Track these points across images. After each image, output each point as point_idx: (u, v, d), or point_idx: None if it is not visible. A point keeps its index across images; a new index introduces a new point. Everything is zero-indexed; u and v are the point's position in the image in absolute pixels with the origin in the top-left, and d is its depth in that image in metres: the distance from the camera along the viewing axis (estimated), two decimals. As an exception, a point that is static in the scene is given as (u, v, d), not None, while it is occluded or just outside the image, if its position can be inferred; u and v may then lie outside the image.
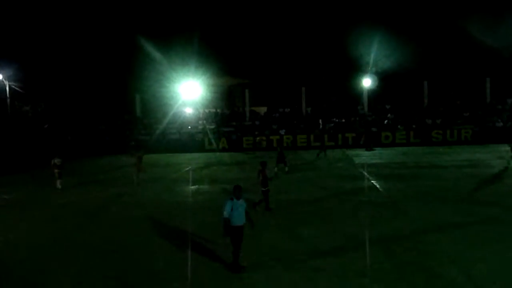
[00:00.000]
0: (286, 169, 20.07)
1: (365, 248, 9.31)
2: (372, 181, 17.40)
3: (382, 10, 39.96)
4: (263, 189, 12.82)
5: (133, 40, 36.87)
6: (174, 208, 14.06)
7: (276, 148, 23.08)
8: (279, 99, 39.24)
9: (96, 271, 8.83)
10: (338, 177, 18.88)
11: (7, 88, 36.53)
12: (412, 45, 35.45)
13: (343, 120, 34.40)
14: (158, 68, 36.96)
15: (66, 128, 35.60)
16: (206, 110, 38.28)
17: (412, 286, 7.64)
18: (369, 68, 37.30)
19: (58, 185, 17.56)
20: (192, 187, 17.84)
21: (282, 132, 32.76)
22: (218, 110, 38.62)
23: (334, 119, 34.69)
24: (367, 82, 36.20)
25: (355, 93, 37.04)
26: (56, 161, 17.53)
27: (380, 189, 15.84)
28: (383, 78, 36.43)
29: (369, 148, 29.03)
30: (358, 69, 37.26)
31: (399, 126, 32.31)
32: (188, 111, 38.65)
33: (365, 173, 19.39)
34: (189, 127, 35.54)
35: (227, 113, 38.32)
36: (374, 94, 36.80)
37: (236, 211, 8.36)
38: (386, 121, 33.47)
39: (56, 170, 17.47)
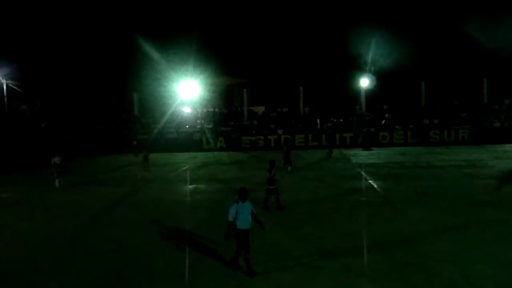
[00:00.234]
0: (289, 168, 20.16)
1: (363, 248, 9.35)
2: (370, 181, 17.45)
3: (380, 10, 40.09)
4: (270, 187, 12.91)
5: (131, 39, 36.84)
6: (172, 207, 14.07)
7: (282, 147, 23.09)
8: (277, 99, 39.31)
9: (95, 270, 8.83)
10: (337, 177, 18.94)
11: (4, 87, 36.39)
12: (410, 46, 35.56)
13: (341, 120, 34.49)
14: (156, 67, 36.95)
15: (64, 127, 35.51)
16: (204, 110, 38.28)
17: (411, 286, 7.67)
18: (367, 68, 37.40)
19: (57, 184, 17.57)
20: (190, 186, 17.85)
21: (280, 131, 32.80)
22: (216, 110, 38.64)
23: (332, 118, 34.76)
24: (364, 82, 36.31)
25: (353, 93, 37.16)
26: (56, 160, 17.52)
27: (378, 189, 15.89)
28: (380, 78, 36.56)
29: (367, 148, 29.11)
30: (356, 69, 37.37)
31: (396, 126, 32.41)
32: (186, 110, 38.65)
33: (363, 173, 19.45)
34: (187, 126, 35.53)
35: (225, 112, 38.33)
36: (372, 94, 36.93)
37: (241, 215, 8.18)
38: (383, 121, 33.57)
39: (55, 169, 17.46)
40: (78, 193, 17.14)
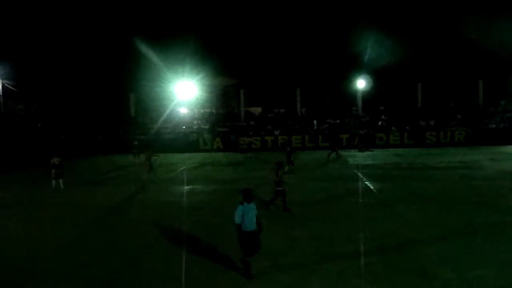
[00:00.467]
0: (286, 168, 19.99)
1: (359, 249, 9.37)
2: (366, 183, 17.49)
3: (376, 11, 40.17)
4: (278, 188, 12.93)
5: (128, 39, 36.73)
6: (169, 208, 14.06)
7: (285, 148, 22.98)
8: (274, 100, 39.33)
9: (94, 271, 8.81)
10: (333, 178, 18.96)
11: (0, 87, 36.24)
12: (406, 47, 35.68)
13: (338, 121, 34.54)
14: (153, 68, 36.82)
15: (60, 127, 35.36)
16: (201, 110, 38.25)
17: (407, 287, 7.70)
18: (363, 69, 37.48)
19: (61, 185, 17.36)
20: (187, 187, 17.82)
21: (277, 132, 32.82)
22: (213, 110, 38.62)
23: (329, 120, 34.81)
24: (361, 84, 36.39)
25: (350, 94, 37.24)
26: (55, 160, 17.35)
27: (374, 191, 15.92)
28: (377, 79, 36.65)
29: (363, 149, 29.15)
30: (352, 70, 37.43)
31: (393, 128, 32.50)
32: (183, 111, 38.59)
33: (360, 174, 19.48)
34: (184, 127, 35.47)
35: (222, 113, 38.32)
36: (368, 95, 37.03)
37: (246, 216, 8.05)
38: (380, 123, 33.65)
39: (54, 170, 17.28)
40: (74, 193, 17.05)
